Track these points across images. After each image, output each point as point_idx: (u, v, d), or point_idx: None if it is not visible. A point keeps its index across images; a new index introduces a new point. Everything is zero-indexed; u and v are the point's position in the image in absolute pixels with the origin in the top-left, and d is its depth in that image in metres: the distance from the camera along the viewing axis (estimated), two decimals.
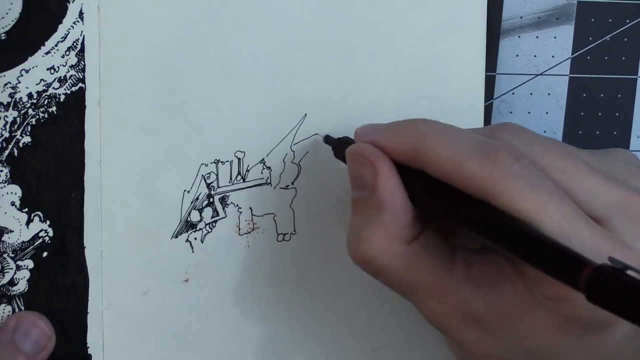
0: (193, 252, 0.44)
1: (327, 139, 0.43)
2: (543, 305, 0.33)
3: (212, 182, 0.44)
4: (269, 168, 0.44)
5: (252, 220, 0.45)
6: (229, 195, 0.44)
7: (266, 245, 0.45)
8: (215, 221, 0.44)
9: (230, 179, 0.44)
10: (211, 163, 0.43)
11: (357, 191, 0.37)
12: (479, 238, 0.34)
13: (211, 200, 0.44)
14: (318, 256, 0.46)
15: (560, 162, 0.34)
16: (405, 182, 0.36)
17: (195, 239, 0.44)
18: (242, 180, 0.44)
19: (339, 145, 0.42)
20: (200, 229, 0.44)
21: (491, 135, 0.36)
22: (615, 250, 0.32)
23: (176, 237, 0.44)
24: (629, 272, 0.27)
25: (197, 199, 0.44)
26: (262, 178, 0.44)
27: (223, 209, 0.44)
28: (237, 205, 0.44)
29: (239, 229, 0.45)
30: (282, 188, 0.45)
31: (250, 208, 0.45)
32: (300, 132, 0.44)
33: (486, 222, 0.33)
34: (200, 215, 0.44)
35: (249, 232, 0.45)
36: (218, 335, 0.45)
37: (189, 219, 0.44)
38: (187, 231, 0.44)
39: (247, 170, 0.44)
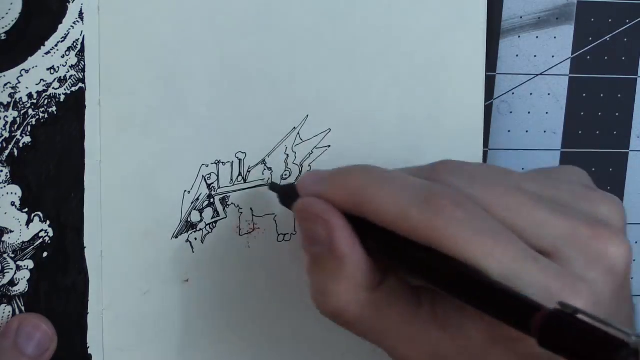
0: (193, 252, 0.44)
1: (272, 187, 0.43)
2: (504, 345, 0.33)
3: (212, 183, 0.44)
4: (270, 169, 0.44)
5: (252, 220, 0.45)
6: (229, 196, 0.44)
7: (266, 246, 0.45)
8: (216, 222, 0.44)
9: (231, 179, 0.44)
10: (212, 164, 0.43)
11: (312, 247, 0.36)
12: (431, 286, 0.34)
13: (212, 200, 0.44)
14: None
15: (503, 198, 0.34)
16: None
17: (196, 239, 0.44)
18: (242, 181, 0.44)
19: (284, 193, 0.42)
20: (201, 229, 0.44)
21: (432, 177, 0.36)
22: (566, 287, 0.31)
23: (176, 237, 0.44)
24: (580, 315, 0.28)
25: (198, 199, 0.43)
26: (263, 179, 0.44)
27: (224, 209, 0.44)
28: (238, 205, 0.44)
29: (240, 229, 0.45)
30: None
31: (251, 209, 0.45)
32: (302, 133, 0.44)
33: (434, 271, 0.33)
34: (201, 216, 0.44)
35: (250, 233, 0.45)
36: (218, 335, 0.45)
37: (189, 220, 0.43)
38: (187, 231, 0.44)
39: (248, 171, 0.44)
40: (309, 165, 0.45)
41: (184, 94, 0.42)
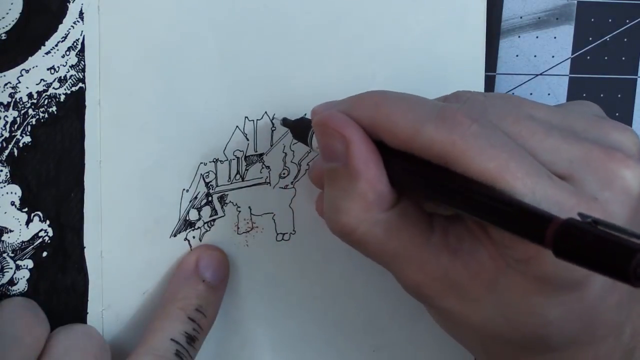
0: (191, 250, 0.44)
1: (285, 122, 0.43)
2: (515, 268, 0.33)
3: (211, 181, 0.44)
4: (268, 167, 0.44)
5: (251, 219, 0.45)
6: (227, 195, 0.44)
7: (265, 245, 0.45)
8: (214, 220, 0.44)
9: (229, 178, 0.44)
10: (210, 162, 0.43)
11: (330, 163, 0.36)
12: (444, 205, 0.34)
13: (210, 199, 0.44)
14: (317, 256, 0.46)
15: (515, 126, 0.34)
16: None
17: (194, 237, 0.44)
18: (241, 179, 0.44)
19: (297, 127, 0.42)
20: (199, 227, 0.44)
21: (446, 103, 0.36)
22: (580, 204, 0.32)
23: (175, 235, 0.44)
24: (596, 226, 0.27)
25: (196, 197, 0.44)
26: (262, 177, 0.44)
27: (222, 207, 0.44)
28: (236, 204, 0.44)
29: (238, 227, 0.45)
30: (282, 188, 0.45)
31: (249, 207, 0.45)
32: None
33: (445, 187, 0.33)
34: (199, 214, 0.44)
35: (248, 232, 0.45)
36: (217, 334, 0.45)
37: (187, 218, 0.44)
38: (185, 230, 0.44)
39: (246, 170, 0.44)
40: (307, 164, 0.45)
41: (183, 93, 0.42)
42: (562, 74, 0.49)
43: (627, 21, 0.49)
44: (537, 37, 0.48)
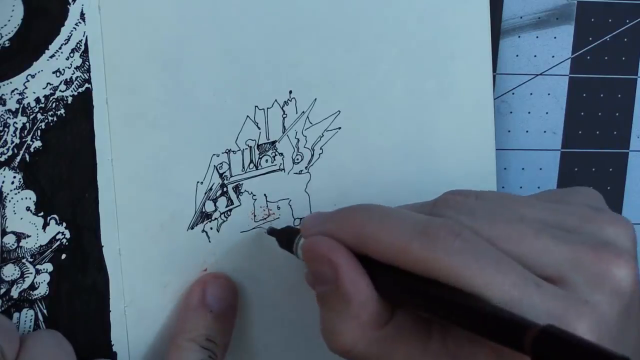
0: (210, 241, 0.44)
1: (271, 231, 0.44)
2: None
3: (224, 172, 0.43)
4: (281, 154, 0.44)
5: (267, 206, 0.45)
6: (242, 184, 0.44)
7: None
8: (230, 210, 0.44)
9: (243, 167, 0.44)
10: (222, 153, 0.43)
11: (321, 287, 0.37)
12: (433, 317, 0.34)
13: (225, 189, 0.44)
14: None
15: (504, 230, 0.34)
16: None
17: (211, 228, 0.44)
18: (255, 168, 0.44)
19: (283, 237, 0.42)
20: (216, 218, 0.44)
21: (433, 212, 0.36)
22: (569, 309, 0.32)
23: (192, 228, 0.43)
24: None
25: (211, 189, 0.43)
26: (275, 164, 0.44)
27: (237, 197, 0.44)
28: (252, 193, 0.44)
29: (255, 216, 0.45)
30: (296, 173, 0.45)
31: (265, 195, 0.44)
32: (311, 116, 0.44)
33: (432, 300, 0.33)
34: (215, 205, 0.44)
35: (265, 219, 0.45)
36: (240, 322, 0.45)
37: (203, 210, 0.43)
38: (202, 222, 0.44)
39: (260, 158, 0.44)
40: (321, 148, 0.44)
41: (191, 85, 0.42)
42: (562, 74, 0.49)
43: (627, 21, 0.48)
44: (537, 37, 0.48)
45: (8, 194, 0.40)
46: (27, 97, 0.39)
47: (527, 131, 0.49)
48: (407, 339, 0.36)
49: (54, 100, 0.39)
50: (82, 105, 0.40)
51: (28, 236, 0.40)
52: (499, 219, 0.35)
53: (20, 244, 0.40)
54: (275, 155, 0.44)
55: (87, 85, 0.40)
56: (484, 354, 0.33)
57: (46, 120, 0.40)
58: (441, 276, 0.32)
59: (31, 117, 0.39)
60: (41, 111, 0.39)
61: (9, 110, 0.39)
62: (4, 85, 0.39)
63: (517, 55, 0.48)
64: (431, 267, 0.33)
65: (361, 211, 0.37)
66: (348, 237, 0.36)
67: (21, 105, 0.39)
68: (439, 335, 0.35)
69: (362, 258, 0.36)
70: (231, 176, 0.44)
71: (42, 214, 0.40)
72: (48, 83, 0.39)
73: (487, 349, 0.33)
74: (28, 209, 0.40)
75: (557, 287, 0.33)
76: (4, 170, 0.39)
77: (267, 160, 0.44)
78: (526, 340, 0.28)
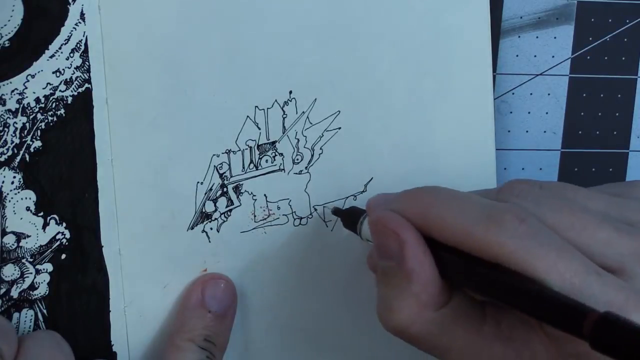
0: (210, 242, 0.44)
1: (336, 211, 0.44)
2: None
3: (224, 172, 0.43)
4: (281, 154, 0.44)
5: (267, 206, 0.45)
6: (242, 184, 0.44)
7: (283, 231, 0.45)
8: (230, 210, 0.44)
9: (243, 167, 0.44)
10: (222, 153, 0.43)
11: (384, 261, 0.37)
12: (494, 301, 0.35)
13: (225, 190, 0.44)
14: (337, 238, 0.46)
15: (568, 219, 0.34)
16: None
17: (211, 229, 0.44)
18: (255, 168, 0.44)
19: (347, 216, 0.42)
20: (216, 218, 0.44)
21: (498, 198, 0.36)
22: (629, 299, 0.32)
23: (192, 228, 0.43)
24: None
25: (211, 189, 0.43)
26: (275, 165, 0.44)
27: (237, 197, 0.44)
28: (252, 193, 0.44)
29: (255, 216, 0.45)
30: (296, 173, 0.44)
31: (265, 195, 0.44)
32: (312, 116, 0.44)
33: (494, 284, 0.33)
34: (215, 206, 0.44)
35: (265, 219, 0.45)
36: (239, 322, 0.45)
37: (203, 210, 0.43)
38: (202, 222, 0.44)
39: (260, 158, 0.44)
40: (321, 149, 0.44)
41: (190, 86, 0.42)
42: (562, 74, 0.49)
43: (627, 21, 0.48)
44: (537, 37, 0.48)
45: (8, 194, 0.40)
46: (27, 97, 0.39)
47: (527, 131, 0.49)
48: (462, 322, 0.36)
49: (54, 100, 0.39)
50: (82, 105, 0.40)
51: (28, 236, 0.40)
52: (562, 208, 0.35)
53: (20, 244, 0.40)
54: (275, 155, 0.44)
55: (87, 85, 0.40)
56: (539, 339, 0.33)
57: (46, 120, 0.40)
58: (504, 260, 0.32)
59: (31, 117, 0.39)
60: (41, 111, 0.39)
61: (9, 110, 0.39)
62: (4, 85, 0.39)
63: (517, 55, 0.48)
64: (495, 251, 0.33)
65: (428, 192, 0.37)
66: (414, 218, 0.36)
67: (21, 105, 0.39)
68: (493, 320, 0.35)
69: (426, 239, 0.36)
70: (231, 176, 0.44)
71: (42, 214, 0.40)
72: (48, 83, 0.39)
73: (542, 334, 0.33)
74: (28, 209, 0.40)
75: (617, 278, 0.33)
76: (4, 170, 0.39)
77: (267, 161, 0.44)
78: (586, 326, 0.28)
